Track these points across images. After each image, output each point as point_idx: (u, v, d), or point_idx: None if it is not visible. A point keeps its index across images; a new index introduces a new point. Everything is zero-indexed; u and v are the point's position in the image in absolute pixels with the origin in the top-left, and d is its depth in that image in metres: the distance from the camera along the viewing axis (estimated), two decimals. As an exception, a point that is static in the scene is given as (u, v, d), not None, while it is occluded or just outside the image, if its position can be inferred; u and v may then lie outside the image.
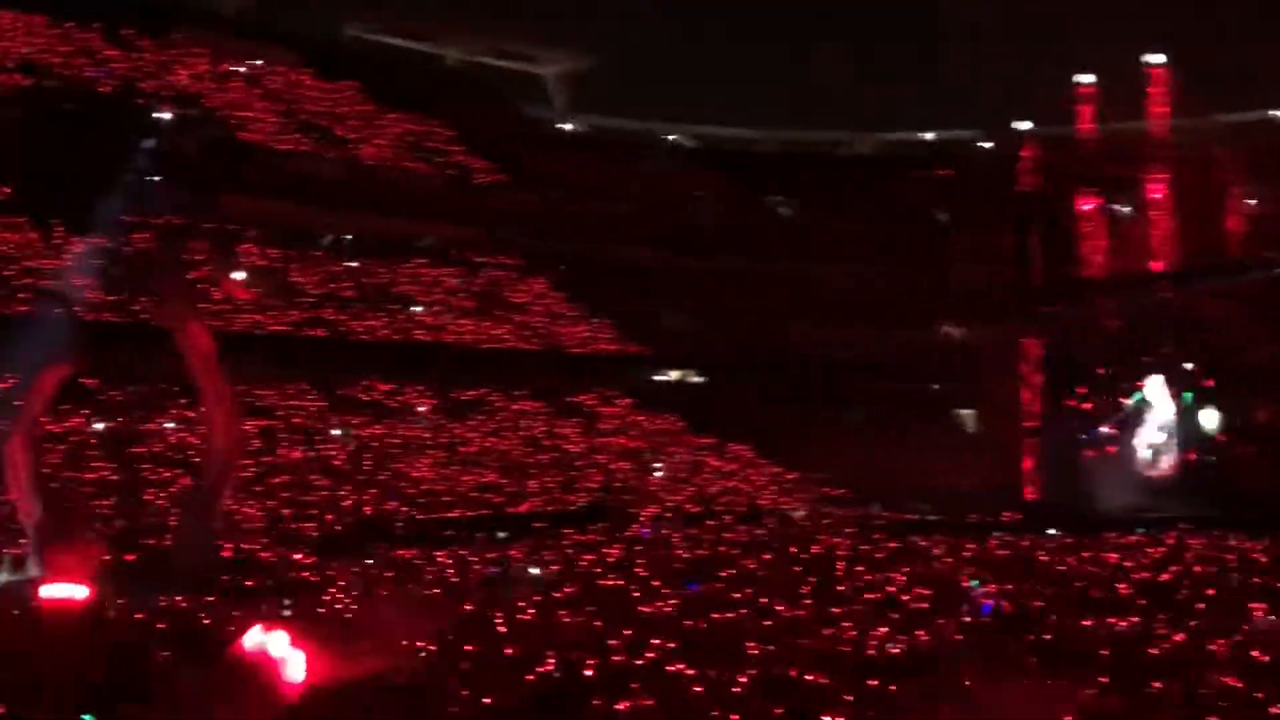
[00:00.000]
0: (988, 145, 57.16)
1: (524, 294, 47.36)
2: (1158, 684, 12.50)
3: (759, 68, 63.78)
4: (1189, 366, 44.44)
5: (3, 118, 38.14)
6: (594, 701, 11.80)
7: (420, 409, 40.07)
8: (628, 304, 47.24)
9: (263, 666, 2.35)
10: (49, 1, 43.73)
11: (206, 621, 16.06)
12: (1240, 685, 12.34)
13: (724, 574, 22.15)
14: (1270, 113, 51.44)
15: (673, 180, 54.39)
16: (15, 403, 23.03)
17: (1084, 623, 16.41)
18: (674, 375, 48.66)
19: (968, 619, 17.25)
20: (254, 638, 2.36)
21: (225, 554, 24.12)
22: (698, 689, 12.35)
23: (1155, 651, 14.48)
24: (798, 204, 56.72)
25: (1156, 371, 44.72)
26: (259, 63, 49.08)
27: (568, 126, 58.76)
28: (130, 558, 23.10)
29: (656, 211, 52.15)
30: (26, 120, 38.44)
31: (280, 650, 2.39)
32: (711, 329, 48.99)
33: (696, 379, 48.99)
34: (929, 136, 60.61)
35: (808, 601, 18.62)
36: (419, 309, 43.86)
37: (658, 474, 40.49)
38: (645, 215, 51.55)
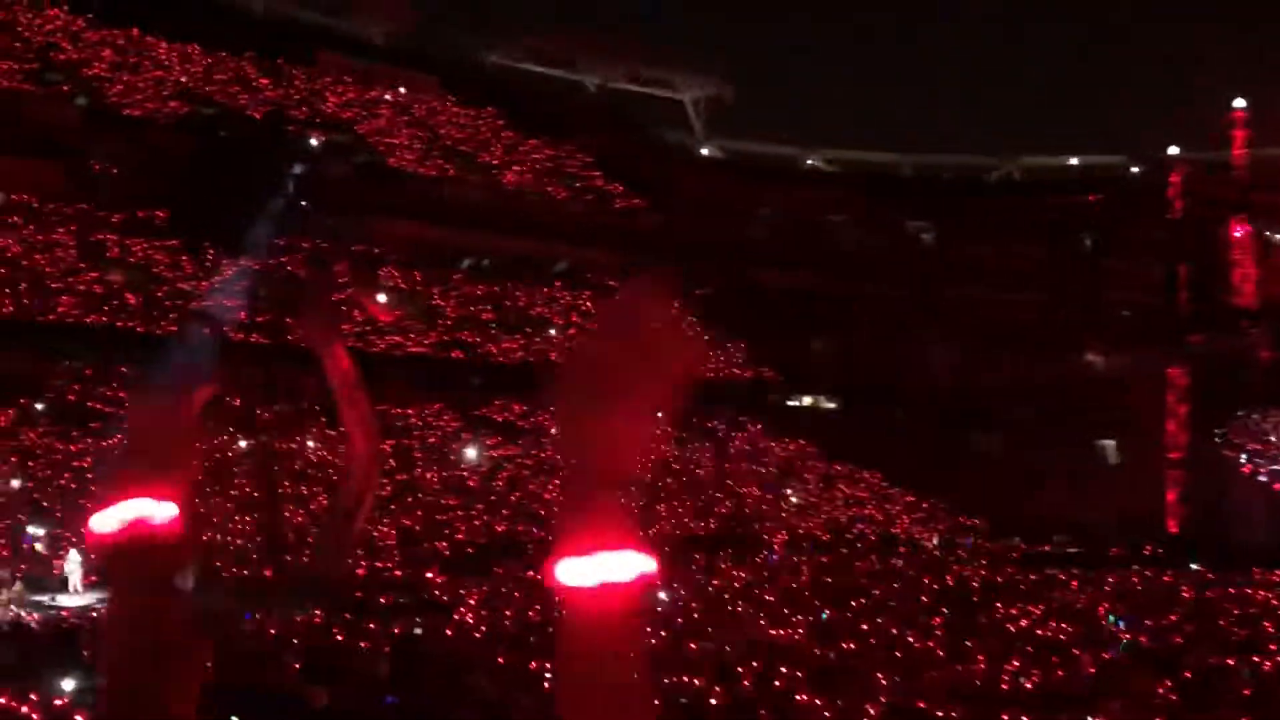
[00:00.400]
0: (1137, 170, 55.93)
1: (658, 318, 47.36)
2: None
3: (898, 90, 63.43)
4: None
5: (159, 143, 39.48)
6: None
7: (553, 430, 40.29)
8: (763, 329, 47.03)
9: (139, 541, 1.75)
10: (203, 31, 45.16)
11: (341, 637, 16.39)
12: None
13: (855, 603, 21.93)
14: None
15: (811, 205, 54.10)
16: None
17: (1227, 661, 15.90)
18: (808, 401, 48.31)
19: (1107, 655, 16.82)
20: (106, 517, 1.75)
21: (361, 571, 24.57)
22: (826, 716, 12.24)
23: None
24: (941, 229, 55.90)
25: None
26: (404, 90, 50.15)
27: (706, 151, 58.90)
28: (269, 572, 23.63)
29: (794, 236, 51.95)
30: (181, 146, 39.71)
31: (148, 512, 1.78)
32: (848, 355, 48.51)
33: (831, 405, 48.57)
34: (1076, 161, 59.52)
35: (939, 633, 18.34)
36: (554, 332, 44.22)
37: (789, 500, 40.21)
38: (783, 240, 51.38)
